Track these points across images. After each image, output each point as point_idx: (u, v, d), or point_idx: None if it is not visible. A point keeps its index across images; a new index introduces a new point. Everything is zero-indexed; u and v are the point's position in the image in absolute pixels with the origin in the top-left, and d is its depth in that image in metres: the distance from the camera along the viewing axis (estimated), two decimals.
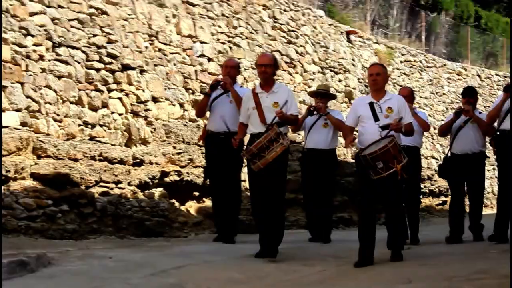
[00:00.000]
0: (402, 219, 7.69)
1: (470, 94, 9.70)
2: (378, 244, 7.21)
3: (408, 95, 9.64)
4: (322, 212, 9.91)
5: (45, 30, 9.45)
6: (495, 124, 9.17)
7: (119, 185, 9.93)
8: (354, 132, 7.67)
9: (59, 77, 9.61)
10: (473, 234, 9.64)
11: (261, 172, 7.51)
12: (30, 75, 9.14)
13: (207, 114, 9.49)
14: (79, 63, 9.94)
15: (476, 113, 9.57)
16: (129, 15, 10.96)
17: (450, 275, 6.21)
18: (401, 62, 19.58)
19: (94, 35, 10.25)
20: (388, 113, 7.19)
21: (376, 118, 7.17)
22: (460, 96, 10.30)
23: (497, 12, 29.72)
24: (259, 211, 7.77)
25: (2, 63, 8.76)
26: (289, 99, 7.80)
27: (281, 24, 14.78)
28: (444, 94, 21.24)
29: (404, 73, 19.47)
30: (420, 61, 20.39)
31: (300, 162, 10.56)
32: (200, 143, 10.37)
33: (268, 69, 7.82)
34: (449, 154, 9.84)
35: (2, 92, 8.74)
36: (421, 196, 12.32)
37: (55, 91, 9.52)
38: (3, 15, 8.90)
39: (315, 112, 9.88)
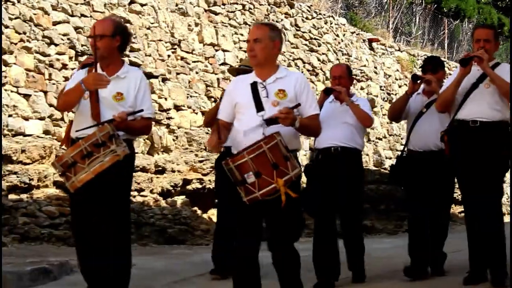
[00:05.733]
0: (294, 266, 4.72)
1: (433, 68, 6.99)
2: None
3: (342, 75, 6.50)
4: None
5: (68, 39, 9.51)
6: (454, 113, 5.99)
7: (142, 193, 9.95)
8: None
9: None
10: (431, 266, 6.55)
11: (79, 194, 4.64)
12: (53, 84, 9.20)
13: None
14: None
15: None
16: (151, 23, 11.00)
17: None
18: None
19: None
20: (279, 99, 4.46)
21: (259, 107, 4.47)
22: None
23: None
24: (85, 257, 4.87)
25: (26, 72, 8.87)
26: (141, 90, 4.89)
27: (303, 32, 14.76)
28: None
29: None
30: None
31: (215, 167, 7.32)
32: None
33: (101, 43, 4.77)
34: (405, 152, 6.73)
35: (26, 101, 8.84)
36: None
37: None
38: (27, 24, 8.98)
39: None
